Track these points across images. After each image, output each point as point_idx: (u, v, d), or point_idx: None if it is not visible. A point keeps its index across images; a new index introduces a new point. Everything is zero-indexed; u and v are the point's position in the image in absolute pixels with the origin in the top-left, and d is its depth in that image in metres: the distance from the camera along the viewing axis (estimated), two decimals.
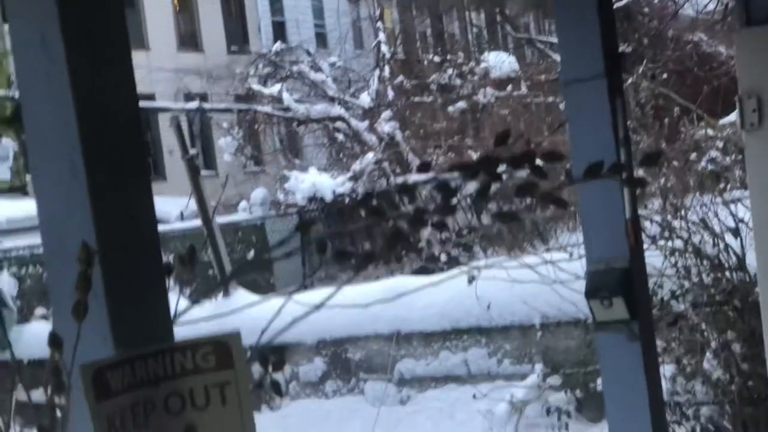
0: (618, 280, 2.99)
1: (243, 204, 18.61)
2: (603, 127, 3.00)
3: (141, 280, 1.60)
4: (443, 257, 13.24)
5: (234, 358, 1.64)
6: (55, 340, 1.54)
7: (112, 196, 1.57)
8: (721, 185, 6.43)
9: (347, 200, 14.58)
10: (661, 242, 5.68)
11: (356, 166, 15.53)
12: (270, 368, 2.13)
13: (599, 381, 6.51)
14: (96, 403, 1.47)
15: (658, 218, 5.86)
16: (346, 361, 7.99)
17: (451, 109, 16.93)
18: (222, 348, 1.64)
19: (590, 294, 3.06)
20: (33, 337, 8.34)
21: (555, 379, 6.80)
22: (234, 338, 1.65)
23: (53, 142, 1.57)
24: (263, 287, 11.80)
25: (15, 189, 20.66)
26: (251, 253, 14.97)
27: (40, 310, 10.47)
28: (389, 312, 7.40)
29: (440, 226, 1.97)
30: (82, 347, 1.52)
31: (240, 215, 17.31)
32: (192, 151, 11.03)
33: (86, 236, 1.52)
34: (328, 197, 15.07)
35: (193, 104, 17.40)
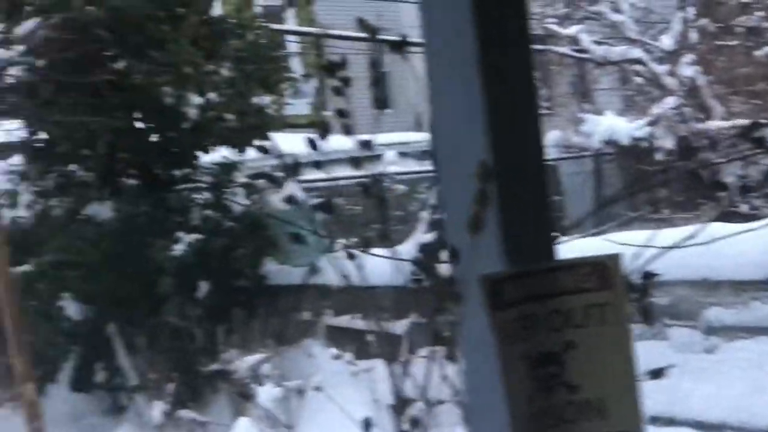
0: None
1: None
2: None
3: (530, 199, 1.65)
4: (744, 207, 12.74)
5: (613, 279, 1.66)
6: (453, 253, 1.63)
7: (505, 114, 1.62)
8: None
9: (645, 144, 14.26)
10: None
11: (654, 110, 15.11)
12: (641, 294, 2.17)
13: None
14: (493, 313, 1.54)
15: None
16: (651, 305, 7.82)
17: (758, 53, 16.09)
18: (601, 269, 1.66)
19: None
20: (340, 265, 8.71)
21: None
22: (613, 260, 1.67)
23: (452, 63, 1.64)
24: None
25: (314, 125, 21.55)
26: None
27: (341, 241, 10.88)
28: (698, 258, 7.17)
29: None
30: (473, 260, 1.60)
31: None
32: None
33: (481, 154, 1.59)
34: (624, 141, 14.79)
35: None
